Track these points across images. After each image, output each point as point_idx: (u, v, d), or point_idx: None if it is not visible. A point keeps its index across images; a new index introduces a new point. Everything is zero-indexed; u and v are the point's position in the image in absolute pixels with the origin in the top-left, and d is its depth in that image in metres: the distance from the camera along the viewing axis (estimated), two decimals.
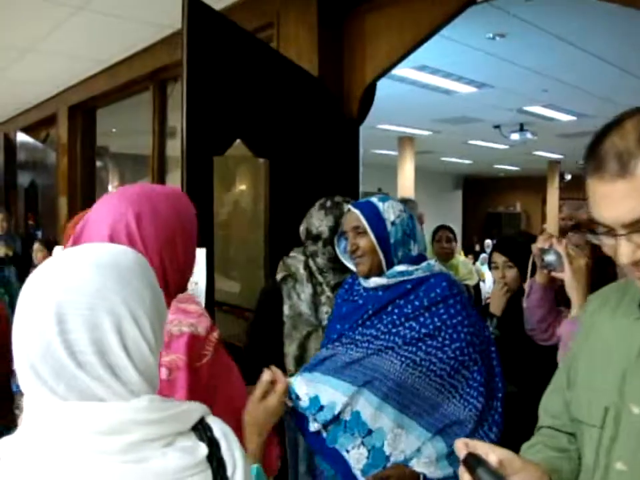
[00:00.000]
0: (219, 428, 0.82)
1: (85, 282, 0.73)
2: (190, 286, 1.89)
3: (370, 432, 1.43)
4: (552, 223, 13.05)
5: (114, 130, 7.67)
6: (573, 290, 1.61)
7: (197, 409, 0.81)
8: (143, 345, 0.75)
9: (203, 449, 0.77)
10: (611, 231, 0.86)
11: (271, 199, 2.68)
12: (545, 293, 1.85)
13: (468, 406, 1.47)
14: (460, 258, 4.73)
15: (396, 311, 1.53)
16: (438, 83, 6.33)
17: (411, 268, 1.56)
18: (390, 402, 1.44)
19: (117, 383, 0.73)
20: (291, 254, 2.00)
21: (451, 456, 1.43)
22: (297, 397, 1.45)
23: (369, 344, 1.51)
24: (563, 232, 3.39)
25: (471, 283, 4.07)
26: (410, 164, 11.04)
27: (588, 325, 1.05)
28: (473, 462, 0.87)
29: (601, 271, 1.80)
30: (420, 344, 1.48)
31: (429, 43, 2.71)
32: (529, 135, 9.08)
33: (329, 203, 1.94)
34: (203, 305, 1.92)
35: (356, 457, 1.43)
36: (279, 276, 1.95)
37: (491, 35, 4.67)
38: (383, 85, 2.97)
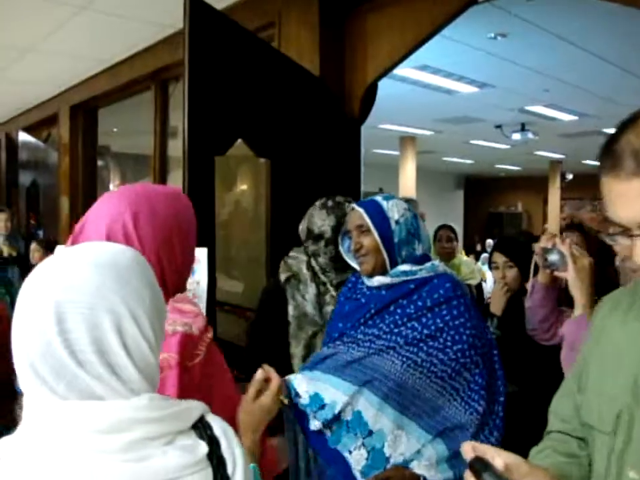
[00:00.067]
0: (218, 426, 0.82)
1: (84, 281, 0.73)
2: (192, 286, 1.90)
3: (370, 433, 1.42)
4: (553, 223, 13.06)
5: (115, 130, 7.66)
6: (576, 289, 1.60)
7: (197, 407, 0.82)
8: (143, 344, 0.75)
9: (203, 447, 0.77)
10: (626, 231, 0.84)
11: (272, 199, 2.67)
12: (547, 293, 1.85)
13: (469, 409, 1.46)
14: (463, 257, 4.73)
15: (398, 310, 1.53)
16: (439, 82, 6.33)
17: (414, 268, 1.55)
18: (390, 402, 1.43)
19: (117, 381, 0.73)
20: (291, 254, 1.98)
21: (451, 459, 1.42)
22: (297, 394, 1.44)
23: (371, 343, 1.50)
24: (563, 232, 3.39)
25: (473, 282, 4.06)
26: (411, 164, 11.04)
27: (599, 328, 1.03)
28: (480, 466, 0.86)
29: (602, 271, 1.80)
30: (421, 344, 1.47)
31: (430, 43, 2.71)
32: (530, 135, 9.06)
33: (330, 203, 1.92)
34: (205, 304, 1.93)
35: (357, 458, 1.42)
36: (282, 276, 1.93)
37: (493, 35, 4.67)
38: (384, 85, 2.96)
